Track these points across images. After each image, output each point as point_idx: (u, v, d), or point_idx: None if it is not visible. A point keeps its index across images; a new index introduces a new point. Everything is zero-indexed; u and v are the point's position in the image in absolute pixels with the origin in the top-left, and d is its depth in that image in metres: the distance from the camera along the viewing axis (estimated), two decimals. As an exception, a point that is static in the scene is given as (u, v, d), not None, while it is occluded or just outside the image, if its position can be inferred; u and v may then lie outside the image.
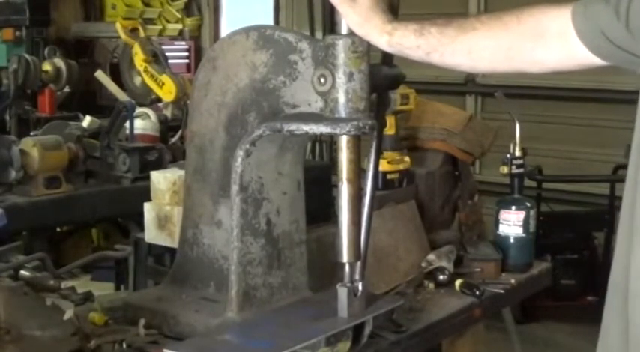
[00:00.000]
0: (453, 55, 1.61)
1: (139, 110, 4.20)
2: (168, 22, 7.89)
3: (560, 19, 1.53)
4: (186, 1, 8.10)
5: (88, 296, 2.11)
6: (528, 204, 2.67)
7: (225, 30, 8.13)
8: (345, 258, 1.78)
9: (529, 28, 1.55)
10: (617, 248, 1.53)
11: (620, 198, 1.62)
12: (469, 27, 1.59)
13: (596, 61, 1.53)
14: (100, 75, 5.67)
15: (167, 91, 4.61)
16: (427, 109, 3.01)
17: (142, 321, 1.94)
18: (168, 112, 4.65)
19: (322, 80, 1.76)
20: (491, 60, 1.61)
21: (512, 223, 2.65)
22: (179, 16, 7.97)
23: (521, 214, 2.65)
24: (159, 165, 3.63)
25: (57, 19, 7.09)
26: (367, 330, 1.87)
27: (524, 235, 2.65)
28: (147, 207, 2.50)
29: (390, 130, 2.75)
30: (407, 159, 2.81)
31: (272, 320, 1.86)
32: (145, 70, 4.69)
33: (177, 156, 3.92)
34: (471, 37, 1.59)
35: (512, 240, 2.66)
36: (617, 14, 1.44)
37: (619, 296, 1.50)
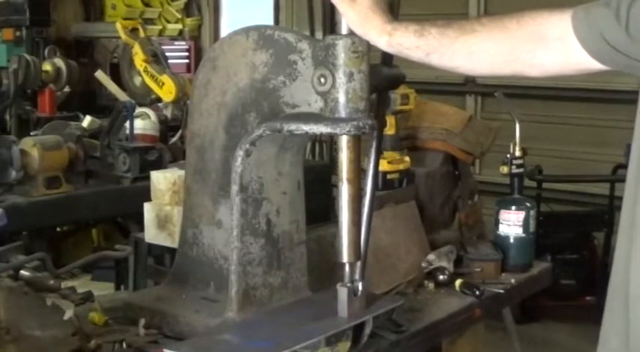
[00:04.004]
0: (452, 56, 1.61)
1: (139, 110, 4.21)
2: (168, 22, 7.89)
3: (561, 23, 1.52)
4: (186, 1, 8.10)
5: (88, 296, 2.12)
6: (528, 204, 2.67)
7: (225, 30, 8.12)
8: (345, 258, 1.78)
9: (529, 31, 1.54)
10: (618, 250, 1.53)
11: (620, 198, 1.61)
12: (469, 29, 1.59)
13: (596, 65, 1.52)
14: (100, 75, 5.67)
15: (167, 91, 4.62)
16: (427, 109, 3.01)
17: (142, 321, 1.94)
18: (168, 112, 4.66)
19: (322, 80, 1.75)
20: (490, 62, 1.60)
21: (512, 223, 2.65)
22: (179, 16, 7.96)
23: (521, 214, 2.65)
24: (159, 165, 3.64)
25: (57, 19, 7.07)
26: (367, 330, 1.87)
27: (524, 235, 2.66)
28: (147, 207, 2.50)
29: (390, 130, 2.75)
30: (407, 159, 2.81)
31: (272, 320, 1.86)
32: (145, 70, 4.70)
33: (177, 156, 3.93)
34: (471, 39, 1.58)
35: (512, 240, 2.66)
36: (618, 18, 1.44)
37: (619, 300, 1.50)
